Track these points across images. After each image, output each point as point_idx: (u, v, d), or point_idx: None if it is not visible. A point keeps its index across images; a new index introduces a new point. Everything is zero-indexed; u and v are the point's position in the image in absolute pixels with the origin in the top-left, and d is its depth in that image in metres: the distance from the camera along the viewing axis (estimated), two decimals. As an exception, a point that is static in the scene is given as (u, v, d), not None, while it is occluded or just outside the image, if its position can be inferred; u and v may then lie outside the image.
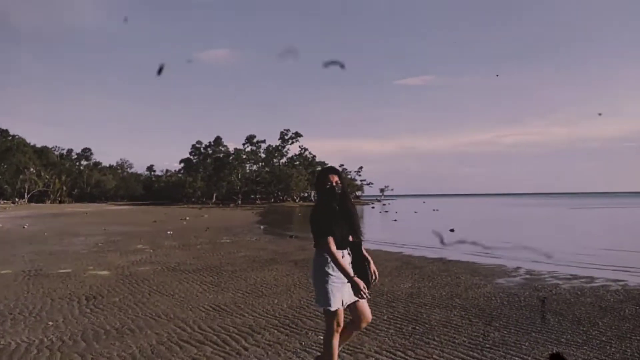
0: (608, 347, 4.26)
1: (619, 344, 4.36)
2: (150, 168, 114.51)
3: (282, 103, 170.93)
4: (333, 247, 3.01)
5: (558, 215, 41.50)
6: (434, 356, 4.06)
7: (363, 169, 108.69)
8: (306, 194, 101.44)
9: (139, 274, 8.69)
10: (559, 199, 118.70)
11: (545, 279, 8.26)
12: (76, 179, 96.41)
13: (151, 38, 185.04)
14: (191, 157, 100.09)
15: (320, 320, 5.25)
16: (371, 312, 3.30)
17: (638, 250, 13.48)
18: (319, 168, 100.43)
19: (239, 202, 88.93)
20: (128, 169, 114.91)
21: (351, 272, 3.01)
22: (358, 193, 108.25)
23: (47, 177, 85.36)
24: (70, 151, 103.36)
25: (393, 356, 4.06)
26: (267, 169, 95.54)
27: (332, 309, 3.04)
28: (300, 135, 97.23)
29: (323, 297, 3.07)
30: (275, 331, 4.86)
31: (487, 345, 4.34)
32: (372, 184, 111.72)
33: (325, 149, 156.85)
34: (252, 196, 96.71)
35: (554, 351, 4.09)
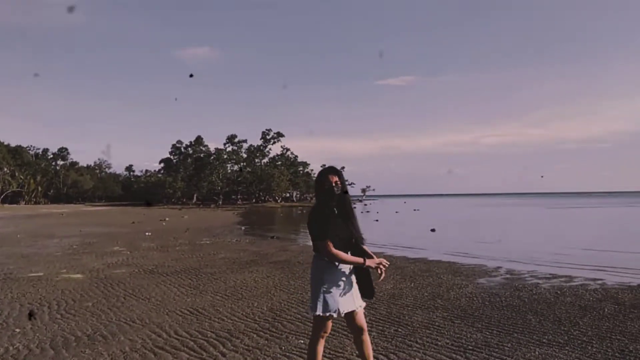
0: (589, 347, 4.25)
1: (599, 343, 4.36)
2: (129, 168, 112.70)
3: (263, 102, 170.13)
4: (332, 248, 2.90)
5: (535, 215, 42.25)
6: (417, 359, 3.98)
7: (345, 169, 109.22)
8: (288, 194, 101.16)
9: (115, 277, 8.43)
10: (536, 199, 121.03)
11: (526, 279, 8.30)
12: (52, 179, 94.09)
13: (130, 36, 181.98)
14: (171, 157, 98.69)
15: (301, 324, 5.14)
16: None
17: (614, 250, 13.72)
18: (301, 168, 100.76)
19: (220, 202, 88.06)
20: (106, 169, 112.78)
21: (360, 260, 2.92)
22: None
23: (22, 177, 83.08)
24: (45, 151, 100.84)
25: (375, 360, 3.97)
26: (248, 169, 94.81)
27: (319, 313, 2.91)
28: (282, 135, 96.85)
29: (313, 301, 2.96)
30: (255, 335, 4.72)
31: (470, 347, 4.29)
32: (353, 184, 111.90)
33: (308, 149, 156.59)
34: (233, 197, 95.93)
35: None
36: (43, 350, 4.30)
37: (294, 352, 4.19)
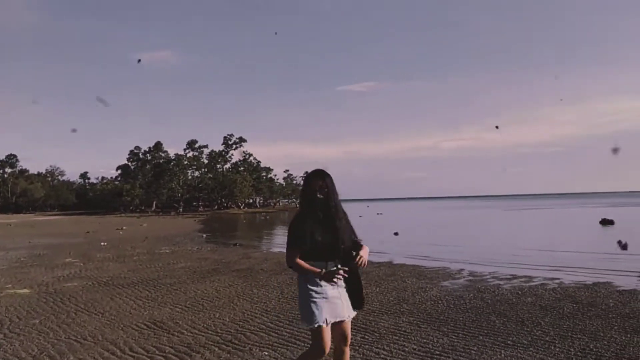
0: (553, 347, 4.30)
1: (562, 343, 4.42)
2: (84, 175, 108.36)
3: (225, 107, 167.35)
4: (293, 258, 2.76)
5: (494, 217, 43.60)
6: (385, 367, 3.89)
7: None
8: (251, 200, 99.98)
9: (66, 291, 7.94)
10: (494, 201, 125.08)
11: (487, 280, 8.43)
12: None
13: (85, 37, 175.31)
14: (129, 163, 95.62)
15: (265, 334, 4.96)
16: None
17: (567, 250, 14.25)
18: (264, 173, 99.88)
19: (181, 209, 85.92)
20: (59, 177, 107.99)
21: (316, 270, 2.73)
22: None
23: (-35, 186, 78.30)
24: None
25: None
26: (210, 175, 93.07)
27: (316, 324, 2.73)
28: (244, 141, 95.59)
29: (304, 313, 2.79)
30: (216, 349, 4.50)
31: (437, 352, 4.24)
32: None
33: (271, 154, 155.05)
34: (195, 203, 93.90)
35: None
36: (-19, 375, 3.93)
37: (258, 365, 4.01)
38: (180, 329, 5.27)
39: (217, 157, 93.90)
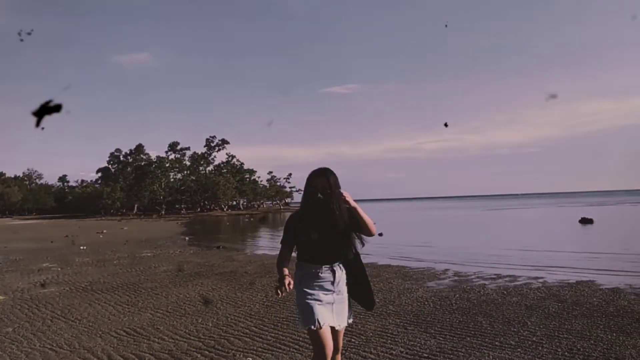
0: (540, 348, 4.27)
1: (549, 343, 4.39)
2: (62, 178, 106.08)
3: (207, 109, 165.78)
4: (284, 256, 2.72)
5: (475, 217, 44.04)
6: (372, 371, 3.81)
7: (292, 176, 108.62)
8: (234, 202, 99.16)
9: (42, 297, 7.67)
10: (474, 201, 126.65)
11: (472, 280, 8.43)
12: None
13: (63, 39, 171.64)
14: (109, 166, 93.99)
15: (249, 339, 4.83)
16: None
17: (549, 250, 14.41)
18: (247, 175, 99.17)
19: (163, 212, 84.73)
20: (37, 180, 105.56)
21: (280, 276, 2.60)
22: (288, 200, 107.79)
23: (-62, 190, 75.91)
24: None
25: (329, 375, 3.74)
26: (192, 177, 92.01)
27: (307, 327, 2.62)
28: (227, 142, 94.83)
29: (300, 315, 2.70)
30: (199, 355, 4.36)
31: (425, 355, 4.17)
32: (300, 190, 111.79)
33: (254, 155, 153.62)
34: (177, 206, 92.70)
35: None
36: (-53, 388, 3.72)
37: (242, 371, 3.88)
38: (161, 335, 5.10)
39: (200, 159, 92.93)
